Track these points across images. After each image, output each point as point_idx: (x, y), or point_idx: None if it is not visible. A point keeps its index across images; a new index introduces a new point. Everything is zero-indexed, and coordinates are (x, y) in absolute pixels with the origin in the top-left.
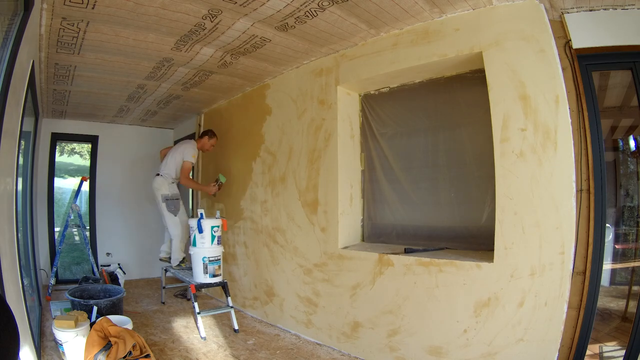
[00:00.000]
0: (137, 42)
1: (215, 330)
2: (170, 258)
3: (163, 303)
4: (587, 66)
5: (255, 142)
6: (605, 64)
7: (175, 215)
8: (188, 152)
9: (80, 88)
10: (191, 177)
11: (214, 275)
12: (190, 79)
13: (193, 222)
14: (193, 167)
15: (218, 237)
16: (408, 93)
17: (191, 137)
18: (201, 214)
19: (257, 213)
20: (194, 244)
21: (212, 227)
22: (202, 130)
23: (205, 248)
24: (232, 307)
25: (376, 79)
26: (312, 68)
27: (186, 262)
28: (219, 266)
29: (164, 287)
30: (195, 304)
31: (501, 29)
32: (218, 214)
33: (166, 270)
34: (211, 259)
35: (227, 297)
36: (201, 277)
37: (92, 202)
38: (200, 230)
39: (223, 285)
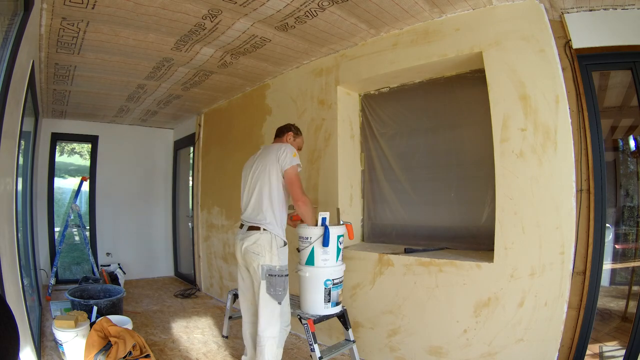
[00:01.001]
0: (137, 42)
1: (214, 331)
2: None
3: (226, 337)
4: (587, 66)
5: (255, 142)
6: (605, 64)
7: (280, 302)
8: (287, 153)
9: (80, 88)
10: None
11: (337, 304)
12: (190, 79)
13: (314, 232)
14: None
15: (342, 250)
16: (408, 93)
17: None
18: (324, 219)
19: None
20: (311, 262)
21: (338, 238)
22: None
23: (329, 267)
24: (354, 342)
25: (376, 79)
26: (312, 68)
27: None
28: (342, 290)
29: (230, 317)
30: (316, 347)
31: (501, 29)
32: (341, 218)
33: (235, 296)
34: (336, 281)
35: (347, 329)
36: (320, 307)
37: (92, 202)
38: (327, 243)
39: (342, 315)
